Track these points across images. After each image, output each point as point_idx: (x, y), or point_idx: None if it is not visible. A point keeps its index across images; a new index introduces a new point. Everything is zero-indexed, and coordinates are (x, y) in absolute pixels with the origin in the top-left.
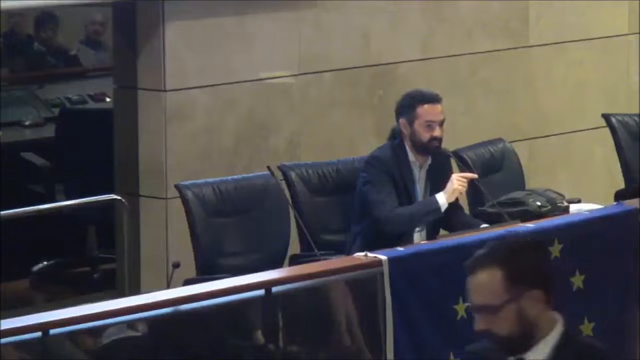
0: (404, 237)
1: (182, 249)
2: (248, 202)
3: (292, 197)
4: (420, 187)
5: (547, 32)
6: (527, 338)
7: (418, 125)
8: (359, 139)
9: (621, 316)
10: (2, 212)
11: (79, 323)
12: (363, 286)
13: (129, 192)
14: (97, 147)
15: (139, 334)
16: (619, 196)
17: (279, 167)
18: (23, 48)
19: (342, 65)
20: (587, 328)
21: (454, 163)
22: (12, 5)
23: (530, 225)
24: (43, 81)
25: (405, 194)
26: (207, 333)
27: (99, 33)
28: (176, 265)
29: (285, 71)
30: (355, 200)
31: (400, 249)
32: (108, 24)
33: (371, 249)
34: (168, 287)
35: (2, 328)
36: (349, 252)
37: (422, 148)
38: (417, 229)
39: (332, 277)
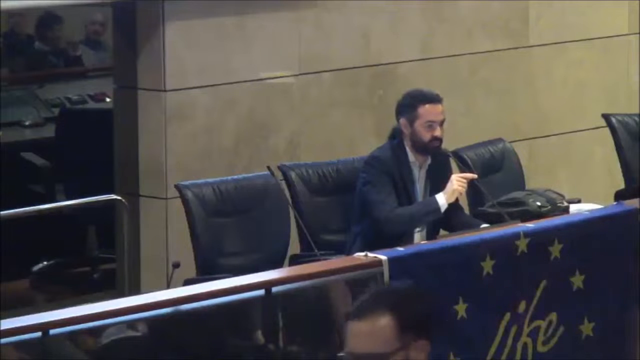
0: (404, 237)
1: (182, 249)
2: (248, 202)
3: (292, 197)
4: (420, 187)
5: (547, 32)
6: None
7: (419, 125)
8: (359, 139)
9: (621, 316)
10: (2, 212)
11: (79, 323)
12: (363, 286)
13: (129, 192)
14: (97, 147)
15: (139, 334)
16: (619, 196)
17: (279, 167)
18: (23, 48)
19: (342, 65)
20: (587, 328)
21: (453, 163)
22: (12, 5)
23: (530, 225)
24: (43, 81)
25: (405, 194)
26: (207, 333)
27: (99, 33)
28: (176, 265)
29: (285, 71)
30: (355, 200)
31: (400, 249)
32: (108, 24)
33: (371, 249)
34: (168, 287)
35: (2, 328)
36: (349, 252)
37: (423, 148)
38: (417, 229)
39: (332, 277)
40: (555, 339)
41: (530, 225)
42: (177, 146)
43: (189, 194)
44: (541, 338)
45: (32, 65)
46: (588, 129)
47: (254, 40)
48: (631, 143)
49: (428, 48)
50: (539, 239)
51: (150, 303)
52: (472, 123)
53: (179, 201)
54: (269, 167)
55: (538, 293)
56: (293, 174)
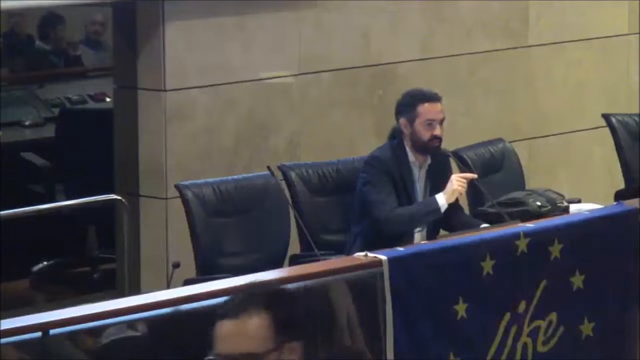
0: (404, 237)
1: (182, 249)
2: (248, 202)
3: (292, 197)
4: (419, 187)
5: (546, 32)
6: None
7: (418, 124)
8: (359, 139)
9: (621, 316)
10: (2, 212)
11: (79, 323)
12: (363, 286)
13: (129, 192)
14: (97, 147)
15: (139, 334)
16: (619, 196)
17: (279, 167)
18: (23, 48)
19: (342, 65)
20: (587, 328)
21: (453, 163)
22: (12, 5)
23: (530, 225)
24: (43, 81)
25: (405, 194)
26: (207, 333)
27: (99, 33)
28: (176, 265)
29: (285, 71)
30: (355, 200)
31: (400, 249)
32: (108, 24)
33: (371, 249)
34: (168, 287)
35: (2, 328)
36: (349, 252)
37: (423, 147)
38: (417, 229)
39: (332, 277)
40: (555, 339)
41: (530, 225)
42: (177, 146)
43: (189, 194)
44: (541, 338)
45: (32, 65)
46: (588, 129)
47: (254, 41)
48: (631, 143)
49: (428, 48)
50: (539, 239)
51: (150, 303)
52: (472, 123)
53: (179, 201)
54: (269, 167)
55: (538, 293)
56: (293, 174)
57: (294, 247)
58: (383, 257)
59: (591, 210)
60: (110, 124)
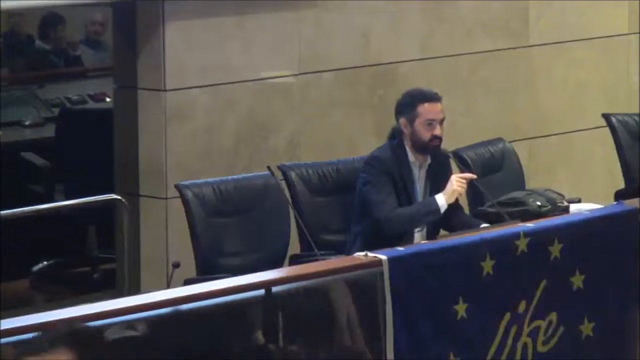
0: (405, 237)
1: (182, 249)
2: (248, 202)
3: (292, 197)
4: (419, 187)
5: (547, 32)
6: None
7: (418, 123)
8: (359, 139)
9: (621, 316)
10: (2, 212)
11: None
12: (363, 286)
13: (129, 192)
14: (97, 147)
15: (139, 334)
16: (619, 196)
17: (279, 167)
18: (23, 48)
19: (342, 65)
20: (587, 328)
21: (453, 163)
22: (12, 5)
23: (530, 225)
24: (43, 81)
25: (405, 194)
26: (207, 333)
27: (99, 33)
28: (176, 265)
29: (285, 71)
30: (355, 200)
31: (400, 249)
32: (108, 24)
33: (371, 249)
34: (168, 287)
35: (2, 328)
36: (349, 252)
37: (423, 147)
38: (417, 229)
39: (332, 277)
40: (555, 339)
41: (530, 225)
42: (177, 146)
43: (189, 194)
44: (541, 338)
45: (32, 65)
46: (588, 129)
47: (254, 40)
48: (631, 143)
49: (428, 48)
50: (539, 239)
51: (150, 303)
52: (472, 123)
53: (179, 201)
54: (269, 167)
55: (538, 293)
56: (293, 174)
57: (294, 247)
58: (383, 257)
59: (591, 210)
60: (110, 124)
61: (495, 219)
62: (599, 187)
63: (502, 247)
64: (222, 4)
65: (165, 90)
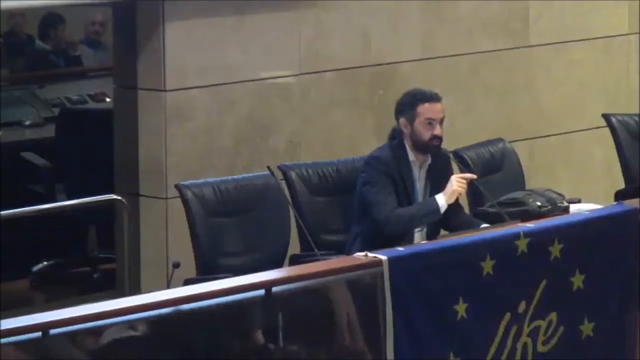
0: (405, 237)
1: (182, 249)
2: (248, 202)
3: (292, 197)
4: (420, 187)
5: (547, 32)
6: None
7: (418, 123)
8: (359, 139)
9: (621, 316)
10: (2, 212)
11: (79, 323)
12: (363, 286)
13: (129, 192)
14: (97, 147)
15: (139, 334)
16: (619, 196)
17: (279, 167)
18: (23, 48)
19: (342, 65)
20: (587, 328)
21: (453, 163)
22: (12, 5)
23: (530, 225)
24: (43, 81)
25: (405, 194)
26: (207, 333)
27: (99, 33)
28: (176, 265)
29: (285, 71)
30: (355, 200)
31: (400, 249)
32: (108, 24)
33: (371, 249)
34: (168, 287)
35: (2, 328)
36: (349, 252)
37: (423, 147)
38: (417, 229)
39: (332, 277)
40: (555, 339)
41: (530, 225)
42: (177, 146)
43: (189, 194)
44: (541, 338)
45: (32, 65)
46: (588, 129)
47: (253, 41)
48: (631, 143)
49: (428, 48)
50: (539, 239)
51: (151, 303)
52: (472, 123)
53: (179, 201)
54: (269, 167)
55: (538, 293)
56: (293, 174)
57: (294, 247)
58: (383, 257)
59: (591, 210)
60: (110, 124)
61: (495, 219)
62: (599, 187)
63: (502, 247)
64: (222, 4)
65: (165, 91)
